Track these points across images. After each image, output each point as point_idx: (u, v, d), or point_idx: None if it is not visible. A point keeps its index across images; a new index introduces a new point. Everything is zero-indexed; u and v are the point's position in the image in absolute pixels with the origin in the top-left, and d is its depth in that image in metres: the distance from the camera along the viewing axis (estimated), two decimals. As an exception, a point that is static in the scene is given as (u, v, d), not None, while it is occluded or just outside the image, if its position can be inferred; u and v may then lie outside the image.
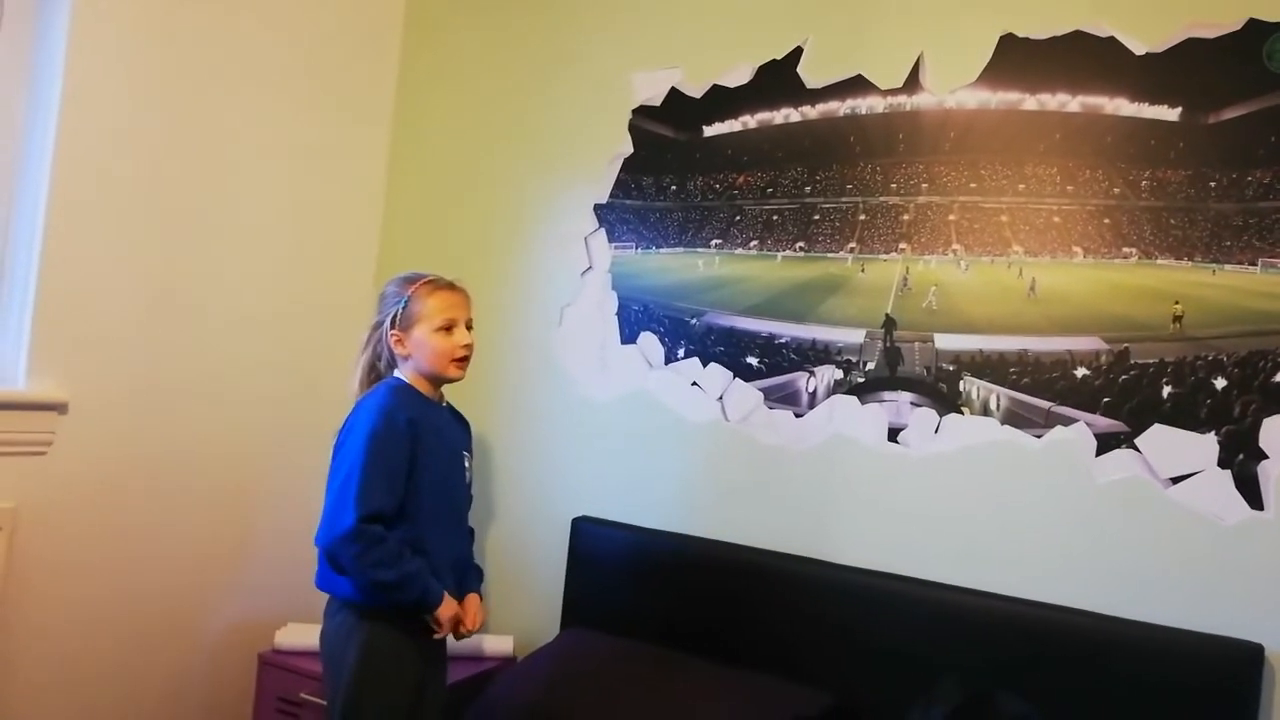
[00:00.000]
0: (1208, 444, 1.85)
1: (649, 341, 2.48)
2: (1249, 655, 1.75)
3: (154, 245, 2.27)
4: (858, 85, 2.24)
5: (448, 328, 1.83)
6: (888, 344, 2.19)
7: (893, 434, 2.15)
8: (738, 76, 2.39)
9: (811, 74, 2.30)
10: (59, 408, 2.10)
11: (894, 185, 2.22)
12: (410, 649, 1.79)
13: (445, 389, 1.94)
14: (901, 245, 2.21)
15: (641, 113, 2.51)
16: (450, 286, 1.88)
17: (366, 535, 1.69)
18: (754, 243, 2.40)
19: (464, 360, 1.86)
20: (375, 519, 1.71)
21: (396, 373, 1.89)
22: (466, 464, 1.94)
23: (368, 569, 1.69)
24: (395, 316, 1.85)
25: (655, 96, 2.49)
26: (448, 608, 1.78)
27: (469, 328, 1.88)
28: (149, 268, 2.26)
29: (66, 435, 2.12)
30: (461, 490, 1.93)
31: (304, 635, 2.35)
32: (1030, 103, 2.06)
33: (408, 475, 1.77)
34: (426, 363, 1.84)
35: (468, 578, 1.98)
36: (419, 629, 1.81)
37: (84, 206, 2.12)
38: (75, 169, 2.09)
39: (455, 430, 1.95)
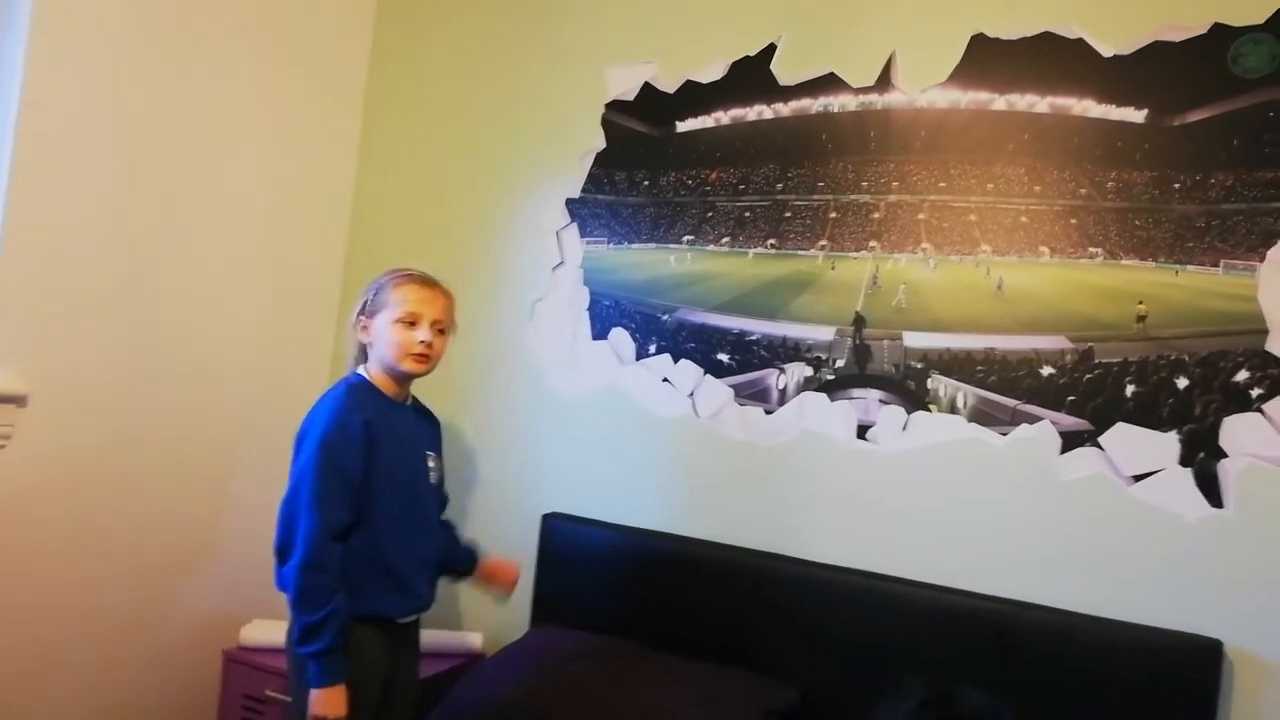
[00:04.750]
0: (1169, 442, 1.88)
1: (620, 337, 2.47)
2: (1208, 650, 1.78)
3: (118, 235, 2.23)
4: (830, 83, 2.24)
5: (410, 322, 1.81)
6: (857, 342, 2.20)
7: (861, 431, 2.16)
8: (711, 72, 2.38)
9: (784, 71, 2.30)
10: (18, 400, 2.06)
11: (865, 183, 2.23)
12: (375, 643, 1.78)
13: (414, 387, 1.92)
14: (872, 243, 2.22)
15: (614, 107, 2.50)
16: (426, 283, 1.86)
17: (317, 567, 1.68)
18: (726, 239, 2.40)
19: (421, 357, 1.81)
20: (330, 536, 1.70)
21: (360, 367, 1.87)
22: (431, 464, 1.90)
23: (304, 606, 1.68)
24: (366, 303, 1.85)
25: (628, 91, 2.48)
26: (325, 700, 1.67)
27: (441, 330, 1.85)
28: (112, 258, 2.22)
29: (26, 429, 2.08)
30: (426, 491, 1.89)
31: (270, 632, 2.33)
32: (1000, 103, 2.07)
33: (364, 479, 1.74)
34: (384, 353, 1.82)
35: (459, 559, 2.00)
36: (385, 622, 1.80)
37: (45, 193, 2.07)
38: (37, 153, 2.05)
39: (418, 429, 1.91)
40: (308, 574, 1.68)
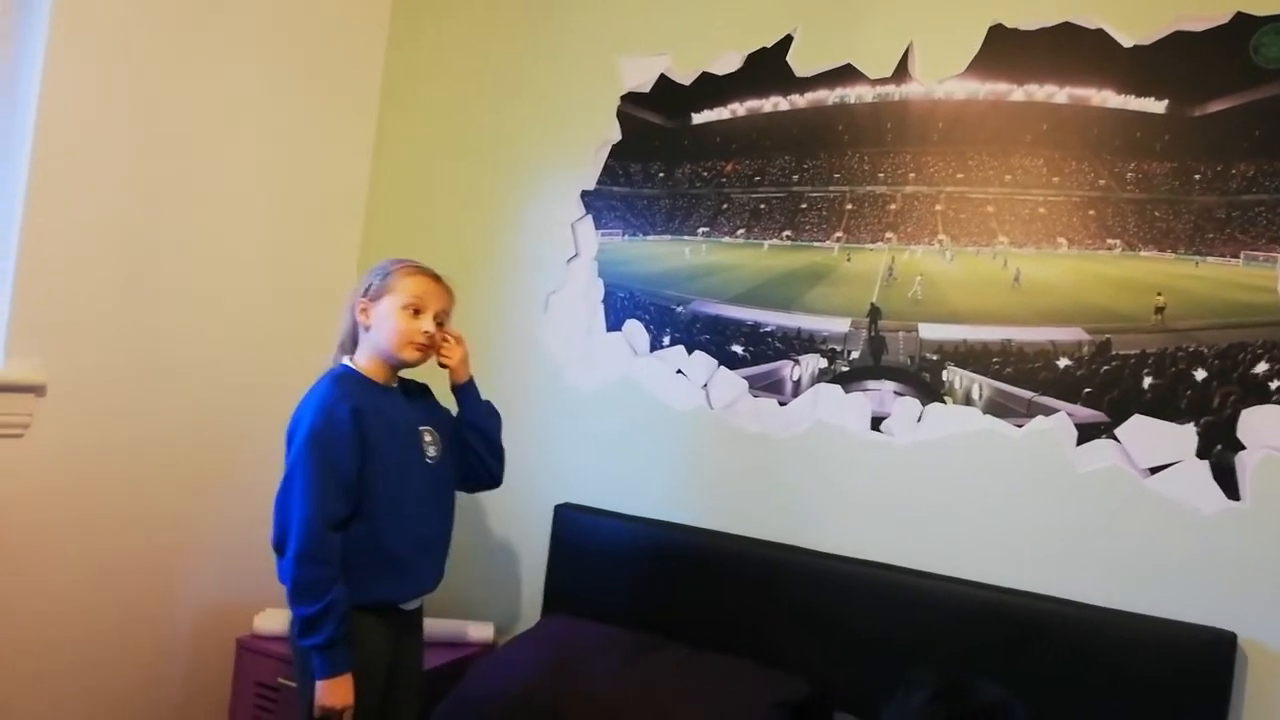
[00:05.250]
0: (1187, 434, 1.87)
1: (635, 329, 2.47)
2: (1222, 643, 1.78)
3: (135, 227, 2.24)
4: (847, 74, 2.23)
5: (415, 310, 1.80)
6: (872, 333, 2.20)
7: (876, 423, 2.16)
8: (727, 64, 2.38)
9: (801, 62, 2.29)
10: (37, 390, 2.07)
11: (881, 175, 2.22)
12: (378, 631, 1.77)
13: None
14: (888, 235, 2.21)
15: (630, 99, 2.50)
16: (434, 277, 1.85)
17: (313, 559, 1.66)
18: (741, 231, 2.40)
19: (422, 346, 1.80)
20: (325, 527, 1.68)
21: (347, 359, 1.84)
22: (426, 438, 1.86)
23: (301, 599, 1.67)
24: (370, 286, 1.83)
25: (644, 83, 2.48)
26: (332, 691, 1.66)
27: (440, 323, 1.84)
28: (130, 250, 2.23)
29: (44, 418, 2.09)
30: (423, 472, 1.84)
31: (282, 620, 2.33)
32: (1018, 94, 2.06)
33: (358, 469, 1.72)
34: (384, 339, 1.80)
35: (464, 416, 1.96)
36: (387, 608, 1.80)
37: (64, 188, 2.08)
38: (56, 149, 2.06)
39: (409, 410, 1.87)
40: (303, 567, 1.66)
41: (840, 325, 2.23)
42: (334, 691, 1.67)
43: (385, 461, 1.76)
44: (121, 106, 2.18)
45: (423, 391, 1.96)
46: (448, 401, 1.97)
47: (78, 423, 2.16)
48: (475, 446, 1.95)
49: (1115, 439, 1.93)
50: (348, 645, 1.68)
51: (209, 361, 2.45)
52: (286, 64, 2.57)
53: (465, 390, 1.95)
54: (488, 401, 1.98)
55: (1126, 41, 1.95)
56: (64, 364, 2.11)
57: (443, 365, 1.92)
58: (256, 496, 2.56)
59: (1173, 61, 1.91)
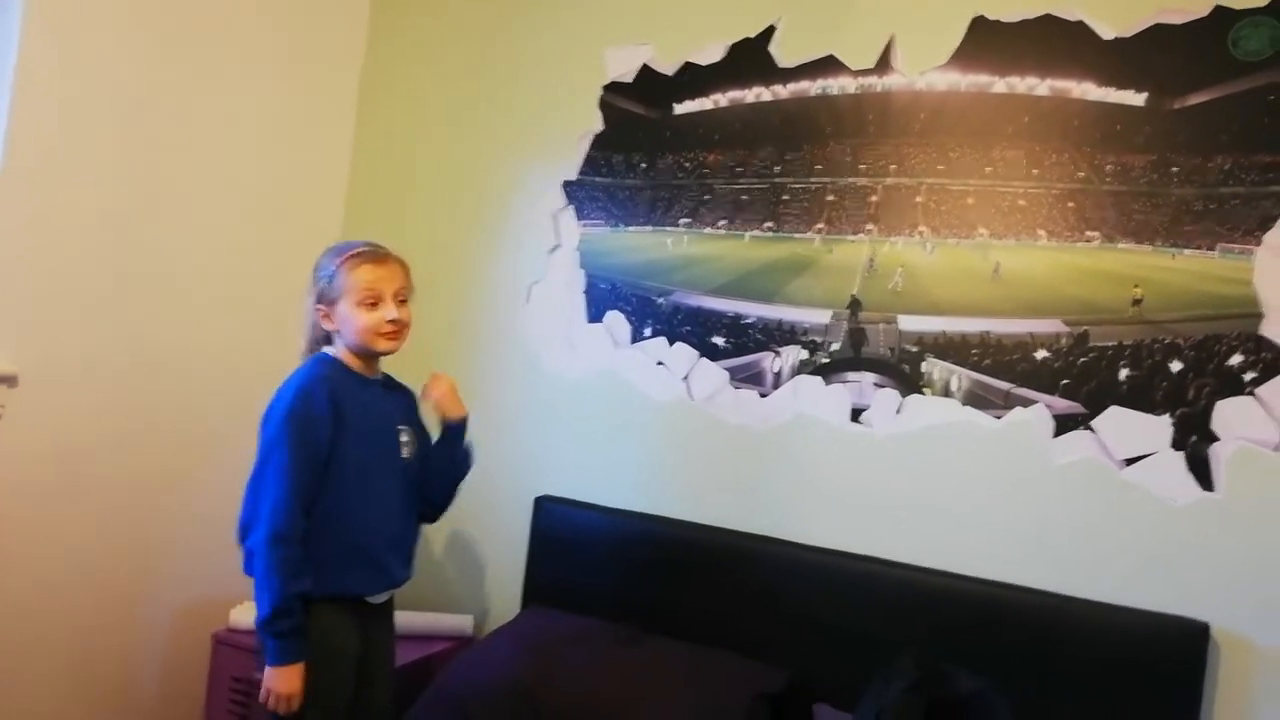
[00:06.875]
0: (1162, 426, 1.88)
1: (616, 320, 2.46)
2: (1195, 633, 1.79)
3: (110, 216, 2.21)
4: (829, 65, 2.23)
5: (372, 302, 1.77)
6: (852, 325, 2.20)
7: (855, 414, 2.16)
8: (710, 54, 2.37)
9: (783, 53, 2.29)
10: (8, 380, 2.04)
11: (863, 166, 2.22)
12: (347, 626, 1.76)
13: (384, 361, 1.89)
14: (869, 226, 2.21)
15: (612, 89, 2.49)
16: (378, 259, 1.80)
17: (288, 539, 1.65)
18: (723, 222, 2.39)
19: (391, 334, 1.78)
20: (300, 509, 1.67)
21: (327, 347, 1.83)
22: (403, 438, 1.86)
23: (272, 580, 1.65)
24: (321, 291, 1.80)
25: (627, 73, 2.47)
26: (284, 679, 1.65)
27: (402, 301, 1.80)
28: (104, 238, 2.20)
29: (15, 409, 2.06)
30: (398, 468, 1.84)
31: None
32: (999, 85, 2.06)
33: (330, 454, 1.71)
34: (353, 337, 1.78)
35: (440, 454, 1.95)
36: (355, 601, 1.78)
37: (37, 175, 2.05)
38: (29, 136, 2.02)
39: (389, 405, 1.86)
40: (277, 547, 1.65)
41: (821, 317, 2.23)
42: (287, 678, 1.66)
43: (360, 452, 1.76)
44: (97, 92, 2.14)
45: (405, 394, 1.95)
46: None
47: (49, 414, 2.13)
48: (433, 480, 1.93)
49: (1092, 430, 1.94)
50: (303, 636, 1.66)
51: (185, 353, 2.42)
52: (267, 53, 2.54)
53: (455, 428, 1.94)
54: (469, 445, 1.97)
55: (1107, 34, 1.96)
56: (35, 354, 2.08)
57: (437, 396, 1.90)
58: (233, 490, 2.50)
59: (1153, 54, 1.92)
